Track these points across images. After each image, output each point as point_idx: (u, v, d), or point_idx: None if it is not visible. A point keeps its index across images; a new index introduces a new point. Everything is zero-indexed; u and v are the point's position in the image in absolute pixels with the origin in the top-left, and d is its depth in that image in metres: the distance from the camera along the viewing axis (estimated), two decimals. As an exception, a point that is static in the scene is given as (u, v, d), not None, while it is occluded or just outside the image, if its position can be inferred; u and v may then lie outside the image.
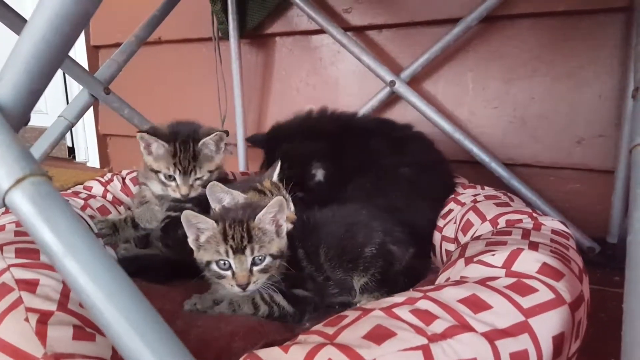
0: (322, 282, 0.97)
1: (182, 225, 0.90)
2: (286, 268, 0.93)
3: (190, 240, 0.91)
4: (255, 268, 0.87)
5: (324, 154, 1.26)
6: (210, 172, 1.16)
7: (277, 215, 0.91)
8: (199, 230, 0.90)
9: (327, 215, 1.05)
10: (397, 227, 1.03)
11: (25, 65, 0.48)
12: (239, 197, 1.01)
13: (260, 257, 0.87)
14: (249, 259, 0.86)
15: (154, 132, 1.13)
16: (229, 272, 0.87)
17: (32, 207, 0.45)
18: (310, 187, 1.26)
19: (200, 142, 1.13)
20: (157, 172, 1.15)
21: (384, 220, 1.03)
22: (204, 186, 1.10)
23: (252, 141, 1.39)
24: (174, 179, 1.14)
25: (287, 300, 0.91)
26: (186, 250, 0.93)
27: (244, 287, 0.86)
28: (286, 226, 0.94)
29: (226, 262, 0.87)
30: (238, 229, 0.87)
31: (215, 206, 1.01)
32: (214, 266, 0.88)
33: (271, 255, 0.88)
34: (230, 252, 0.86)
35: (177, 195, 1.15)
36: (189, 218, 0.89)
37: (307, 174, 1.27)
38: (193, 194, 1.14)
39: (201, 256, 0.90)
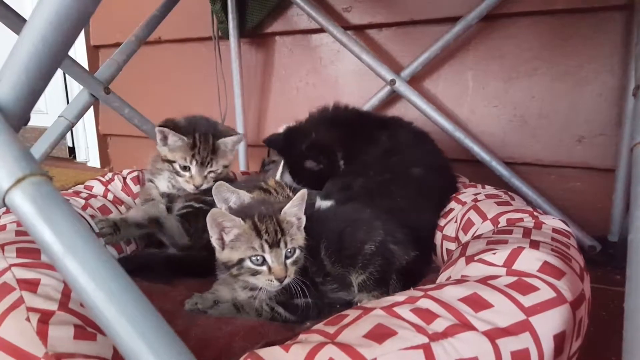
0: (323, 286, 0.97)
1: (202, 217, 0.91)
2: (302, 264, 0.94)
3: (214, 240, 0.90)
4: (287, 261, 0.88)
5: (345, 145, 1.26)
6: (225, 167, 1.21)
7: (299, 208, 0.92)
8: (224, 230, 0.89)
9: (329, 211, 1.06)
10: (400, 228, 1.02)
11: (24, 65, 0.48)
12: (245, 196, 1.01)
13: (290, 250, 0.88)
14: (284, 252, 0.87)
15: (173, 126, 1.16)
16: (264, 268, 0.86)
17: (32, 207, 0.45)
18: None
19: (221, 140, 1.18)
20: (171, 162, 1.18)
21: (386, 220, 1.02)
22: (217, 180, 1.12)
23: (270, 142, 1.36)
24: (189, 170, 1.17)
25: (289, 310, 0.91)
26: (204, 240, 0.95)
27: (282, 281, 0.86)
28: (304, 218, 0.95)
29: (260, 257, 0.86)
30: (270, 223, 0.87)
31: (221, 206, 1.00)
32: (247, 263, 0.87)
33: (299, 247, 0.90)
34: (267, 246, 0.86)
35: (189, 186, 1.18)
36: (216, 217, 0.87)
37: (336, 164, 1.26)
38: (205, 185, 1.18)
39: (228, 255, 0.89)
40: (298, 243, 0.90)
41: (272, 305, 0.91)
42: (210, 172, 1.19)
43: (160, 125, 1.15)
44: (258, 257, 0.86)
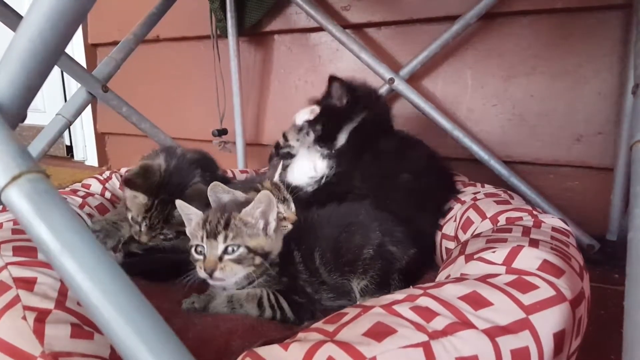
0: (314, 292, 0.95)
1: None
2: (281, 272, 0.92)
3: (187, 231, 0.93)
4: (227, 257, 0.85)
5: None
6: (179, 232, 1.13)
7: (266, 211, 0.89)
8: (190, 221, 0.92)
9: (323, 216, 1.03)
10: (397, 226, 1.01)
11: (21, 61, 0.48)
12: (240, 197, 1.00)
13: (233, 247, 0.85)
14: (221, 246, 0.85)
15: (142, 181, 1.10)
16: (201, 257, 0.87)
17: (29, 204, 0.44)
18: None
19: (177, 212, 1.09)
20: (128, 209, 1.13)
21: (382, 220, 1.00)
22: (167, 240, 1.13)
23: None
24: (140, 225, 1.12)
25: (289, 305, 0.90)
26: None
27: (209, 273, 0.85)
28: (276, 225, 0.91)
29: (202, 247, 0.87)
30: (216, 216, 0.87)
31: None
32: (193, 251, 0.88)
33: (247, 247, 0.86)
34: (205, 236, 0.86)
35: (136, 237, 1.13)
36: (180, 207, 0.91)
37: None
38: (152, 243, 1.13)
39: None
40: (247, 243, 0.86)
41: (278, 296, 0.90)
42: (160, 234, 1.13)
43: (125, 180, 1.11)
44: (201, 248, 0.87)
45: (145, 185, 1.10)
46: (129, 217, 1.13)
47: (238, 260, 0.86)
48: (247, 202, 0.92)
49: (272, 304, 0.89)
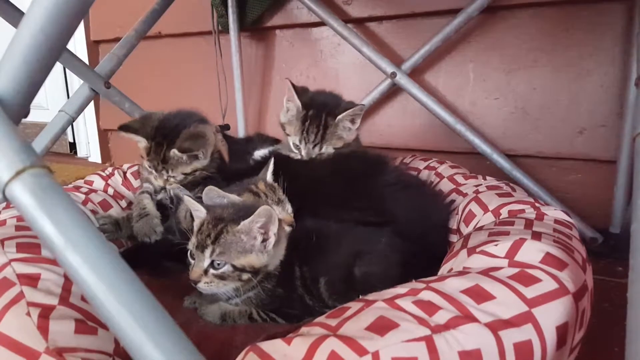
0: (314, 304, 0.90)
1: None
2: (277, 283, 0.89)
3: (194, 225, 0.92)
4: (212, 271, 0.84)
5: None
6: (186, 174, 1.17)
7: (266, 225, 0.85)
8: (195, 217, 0.90)
9: (337, 239, 0.94)
10: (416, 252, 0.93)
11: (23, 56, 0.48)
12: (236, 200, 0.98)
13: (219, 263, 0.83)
14: (207, 260, 0.83)
15: (138, 125, 1.17)
16: (193, 262, 0.86)
17: (33, 199, 0.44)
18: None
19: (171, 152, 1.14)
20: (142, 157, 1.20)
21: (406, 253, 0.92)
22: (183, 182, 1.17)
23: None
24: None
25: (282, 317, 0.89)
26: None
27: (194, 283, 0.84)
28: (275, 240, 0.86)
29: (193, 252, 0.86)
30: (210, 227, 0.84)
31: None
32: (189, 254, 0.87)
33: (233, 265, 0.84)
34: (195, 245, 0.85)
35: (156, 184, 1.20)
36: (189, 204, 0.91)
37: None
38: (169, 187, 1.19)
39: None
40: (233, 260, 0.84)
41: (268, 311, 0.89)
42: (169, 176, 1.17)
43: (120, 127, 1.16)
44: (192, 252, 0.86)
45: (142, 130, 1.16)
46: (145, 165, 1.19)
47: (222, 277, 0.84)
48: (245, 208, 0.89)
49: (264, 318, 0.89)
